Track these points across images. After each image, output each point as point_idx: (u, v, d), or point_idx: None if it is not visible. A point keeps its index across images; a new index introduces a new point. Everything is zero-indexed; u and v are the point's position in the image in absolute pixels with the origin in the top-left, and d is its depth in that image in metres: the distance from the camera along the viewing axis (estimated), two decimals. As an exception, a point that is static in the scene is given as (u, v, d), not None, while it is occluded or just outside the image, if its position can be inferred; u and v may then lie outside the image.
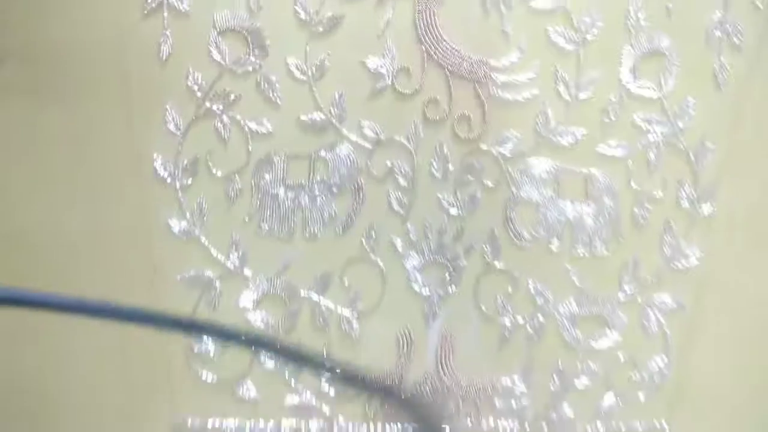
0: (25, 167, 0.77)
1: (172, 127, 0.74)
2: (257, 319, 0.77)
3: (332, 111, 0.74)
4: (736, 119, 0.78)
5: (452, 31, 0.75)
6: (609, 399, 0.81)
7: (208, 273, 0.76)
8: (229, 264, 0.76)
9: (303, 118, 0.74)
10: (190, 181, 0.75)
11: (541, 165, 0.77)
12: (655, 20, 0.76)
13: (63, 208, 0.77)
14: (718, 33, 0.77)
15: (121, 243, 0.76)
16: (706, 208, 0.79)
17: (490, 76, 0.75)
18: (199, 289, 0.76)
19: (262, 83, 0.74)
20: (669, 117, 0.78)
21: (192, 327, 0.44)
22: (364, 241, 0.76)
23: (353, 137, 0.75)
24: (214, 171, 0.75)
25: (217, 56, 0.74)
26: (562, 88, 0.76)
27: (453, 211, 0.77)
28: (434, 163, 0.76)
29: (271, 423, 0.78)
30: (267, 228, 0.76)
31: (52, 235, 0.77)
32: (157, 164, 0.75)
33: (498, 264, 0.78)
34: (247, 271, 0.74)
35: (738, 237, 0.81)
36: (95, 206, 0.76)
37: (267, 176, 0.75)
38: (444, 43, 0.75)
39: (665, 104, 0.78)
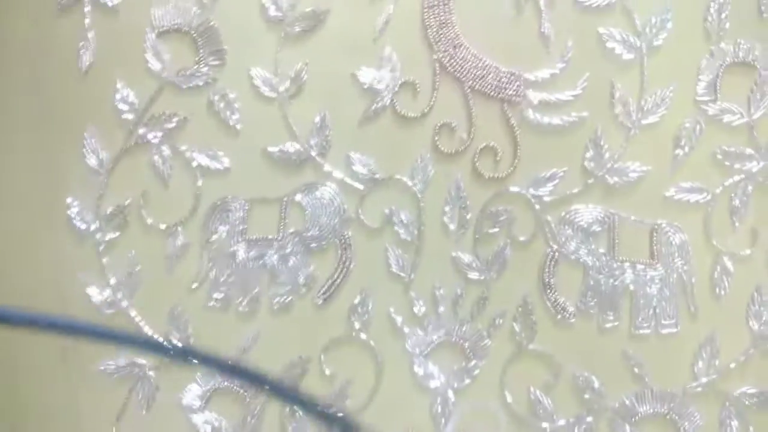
0: None
1: (93, 161, 0.58)
2: (205, 422, 0.58)
3: (311, 140, 0.58)
4: None
5: (474, 34, 0.58)
6: None
7: (140, 360, 0.59)
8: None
9: (271, 149, 0.58)
10: (116, 235, 0.58)
11: (590, 213, 0.60)
12: (743, 22, 0.60)
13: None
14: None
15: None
16: (808, 272, 0.63)
17: (524, 93, 0.59)
18: (129, 383, 0.59)
19: (217, 102, 0.58)
20: (760, 149, 0.61)
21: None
22: (352, 314, 0.59)
23: (339, 175, 0.59)
24: (149, 221, 0.58)
25: (155, 65, 0.58)
26: (619, 110, 0.59)
27: (472, 274, 0.60)
28: (447, 210, 0.59)
29: None
30: (221, 298, 0.59)
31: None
32: (73, 212, 0.58)
33: (533, 345, 0.60)
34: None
35: None
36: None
37: (222, 228, 0.58)
38: (463, 49, 0.58)
39: (755, 132, 0.60)
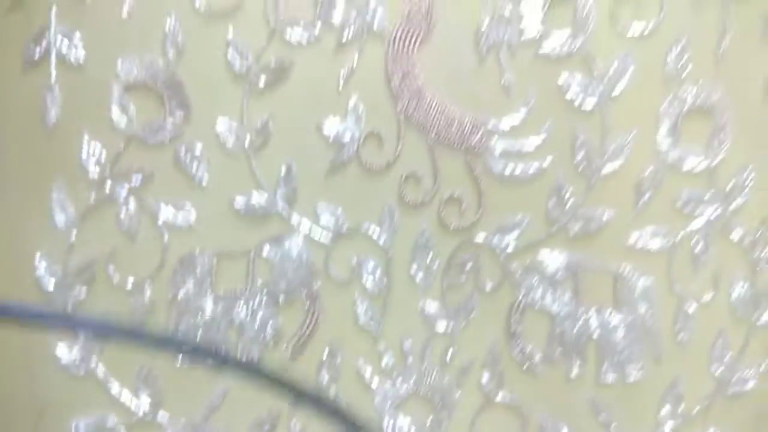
0: None
1: (60, 218, 0.57)
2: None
3: (278, 192, 0.58)
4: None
5: (437, 84, 0.58)
6: None
7: (111, 419, 0.58)
8: (137, 406, 0.58)
9: (238, 202, 0.58)
10: (83, 293, 0.58)
11: (555, 260, 0.60)
12: (702, 67, 0.60)
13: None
14: (784, 85, 0.62)
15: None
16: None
17: (487, 142, 0.59)
18: (100, 441, 0.59)
19: (183, 156, 0.57)
20: (720, 194, 0.61)
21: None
22: (321, 368, 0.59)
23: (306, 227, 0.58)
24: (116, 278, 0.58)
25: (120, 120, 0.57)
26: (581, 157, 0.59)
27: (440, 325, 0.60)
28: (414, 261, 0.59)
29: None
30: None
31: None
32: (40, 270, 0.57)
33: (500, 396, 0.60)
34: (162, 416, 0.59)
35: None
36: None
37: (189, 282, 0.58)
38: (426, 99, 0.58)
39: (715, 177, 0.61)
